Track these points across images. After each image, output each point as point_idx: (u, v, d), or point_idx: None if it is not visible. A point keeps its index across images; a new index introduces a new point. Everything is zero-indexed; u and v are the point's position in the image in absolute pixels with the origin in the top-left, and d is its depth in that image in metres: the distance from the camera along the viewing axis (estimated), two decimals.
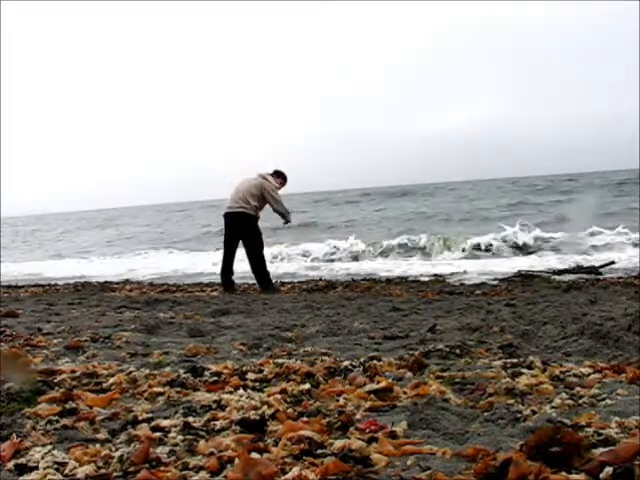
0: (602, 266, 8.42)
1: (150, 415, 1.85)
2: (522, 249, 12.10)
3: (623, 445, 1.37)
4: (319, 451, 1.47)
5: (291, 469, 1.34)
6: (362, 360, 2.54)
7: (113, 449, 1.55)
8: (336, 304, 5.31)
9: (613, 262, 8.85)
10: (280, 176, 7.43)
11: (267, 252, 7.60)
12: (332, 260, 12.58)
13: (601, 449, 1.39)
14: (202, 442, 1.58)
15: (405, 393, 2.04)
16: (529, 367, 2.37)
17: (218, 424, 1.73)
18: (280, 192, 7.41)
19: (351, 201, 32.77)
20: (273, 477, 1.30)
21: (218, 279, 7.62)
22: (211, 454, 1.49)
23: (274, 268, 9.95)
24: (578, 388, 2.05)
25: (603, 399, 1.91)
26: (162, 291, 7.47)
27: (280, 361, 2.55)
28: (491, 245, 12.39)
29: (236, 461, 1.39)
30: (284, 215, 7.25)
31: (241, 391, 2.09)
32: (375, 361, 2.55)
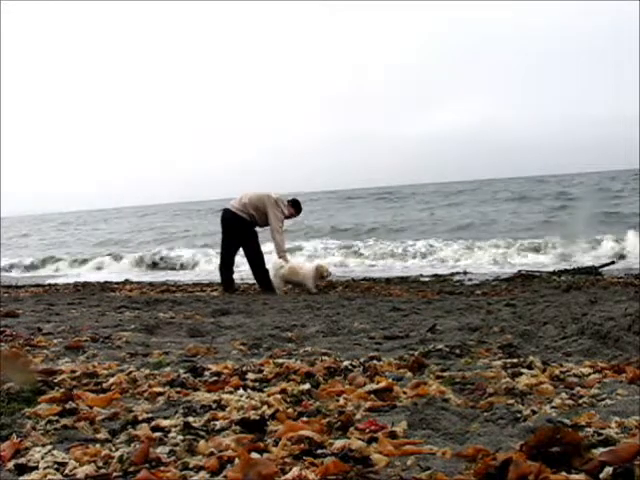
0: (602, 266, 8.42)
1: (150, 415, 1.85)
2: None
3: (623, 445, 1.37)
4: (319, 451, 1.47)
5: (291, 469, 1.34)
6: (362, 360, 2.54)
7: (113, 449, 1.55)
8: (336, 304, 5.31)
9: (613, 262, 8.86)
10: (294, 206, 7.30)
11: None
12: None
13: (601, 449, 1.38)
14: (202, 442, 1.58)
15: (405, 393, 2.04)
16: (529, 367, 2.37)
17: (218, 424, 1.73)
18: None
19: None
20: (273, 477, 1.30)
21: (218, 279, 7.62)
22: (211, 454, 1.49)
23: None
24: (578, 388, 2.05)
25: (603, 399, 1.91)
26: (162, 291, 7.47)
27: (280, 361, 2.55)
28: None
29: (236, 461, 1.39)
30: (277, 247, 7.13)
31: (241, 391, 2.09)
32: (375, 361, 2.55)
